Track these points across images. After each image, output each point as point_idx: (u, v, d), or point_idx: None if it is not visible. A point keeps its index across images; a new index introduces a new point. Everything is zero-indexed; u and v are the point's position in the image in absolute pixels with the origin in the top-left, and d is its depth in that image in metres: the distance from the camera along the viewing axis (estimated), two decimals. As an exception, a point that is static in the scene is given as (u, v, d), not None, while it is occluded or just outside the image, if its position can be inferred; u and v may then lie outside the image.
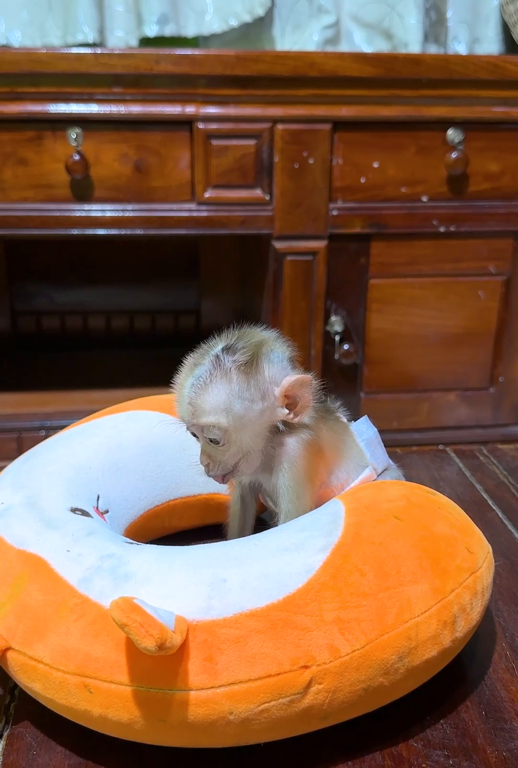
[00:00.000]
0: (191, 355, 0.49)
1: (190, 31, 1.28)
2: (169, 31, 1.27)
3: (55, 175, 1.09)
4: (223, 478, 0.50)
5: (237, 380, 0.47)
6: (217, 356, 0.47)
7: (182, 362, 0.49)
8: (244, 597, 0.40)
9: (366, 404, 1.27)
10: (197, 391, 0.47)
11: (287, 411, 0.48)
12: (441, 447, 0.84)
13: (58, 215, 1.11)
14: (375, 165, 1.16)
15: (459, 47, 1.37)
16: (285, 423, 0.49)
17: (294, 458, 0.50)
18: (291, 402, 0.49)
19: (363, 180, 1.16)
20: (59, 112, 1.07)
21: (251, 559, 0.42)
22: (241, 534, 0.55)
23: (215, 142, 1.11)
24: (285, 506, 0.50)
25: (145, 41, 1.28)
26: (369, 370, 1.26)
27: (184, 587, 0.40)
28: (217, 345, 0.48)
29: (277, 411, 0.48)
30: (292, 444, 0.50)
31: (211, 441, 0.48)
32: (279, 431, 0.49)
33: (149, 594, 0.39)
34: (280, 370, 0.48)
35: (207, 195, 1.13)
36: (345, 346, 1.22)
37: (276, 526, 0.49)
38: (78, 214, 1.11)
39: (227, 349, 0.47)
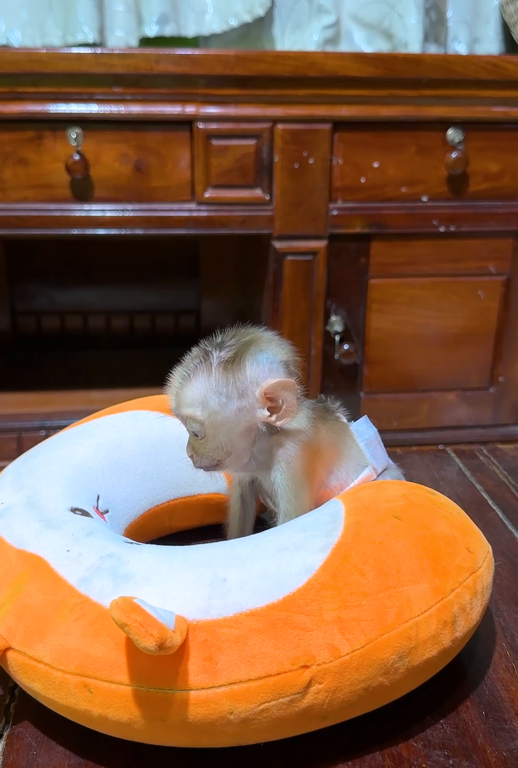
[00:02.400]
0: (195, 348, 0.50)
1: (190, 31, 1.28)
2: (169, 31, 1.27)
3: (55, 175, 1.09)
4: (208, 470, 0.51)
5: (216, 376, 0.47)
6: (206, 351, 0.48)
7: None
8: (244, 597, 0.40)
9: (366, 404, 1.27)
10: (181, 382, 0.48)
11: (269, 413, 0.48)
12: (441, 447, 0.84)
13: (58, 215, 1.11)
14: (375, 165, 1.16)
15: (459, 47, 1.37)
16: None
17: (291, 458, 0.50)
18: (273, 405, 0.48)
19: (363, 180, 1.16)
20: (59, 112, 1.07)
21: (251, 558, 0.42)
22: (241, 534, 0.55)
23: (215, 142, 1.11)
24: (284, 506, 0.50)
25: (145, 41, 1.28)
26: (369, 370, 1.26)
27: (184, 587, 0.40)
28: (214, 341, 0.49)
29: (258, 412, 0.48)
30: (290, 444, 0.50)
31: (193, 433, 0.49)
32: (276, 432, 0.49)
33: (149, 594, 0.39)
34: (266, 371, 0.48)
35: (207, 195, 1.13)
36: (345, 346, 1.22)
37: (276, 526, 0.49)
38: (78, 214, 1.11)
39: (217, 346, 0.48)
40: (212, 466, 0.50)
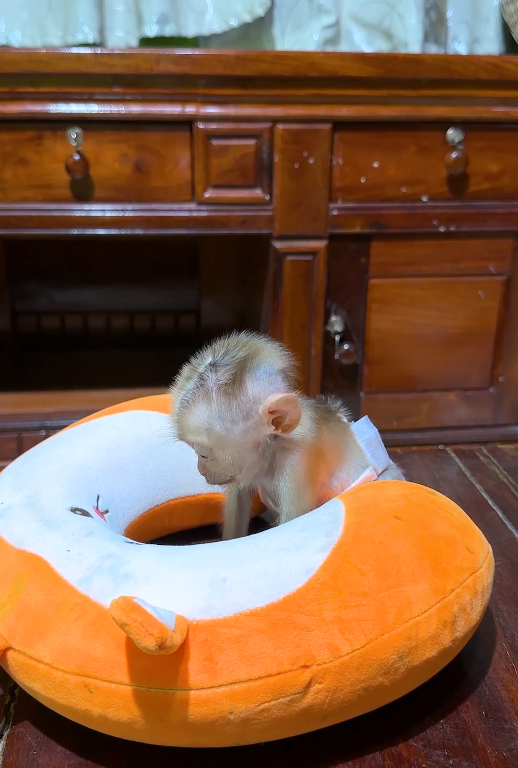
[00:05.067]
0: (186, 366, 0.49)
1: (190, 31, 1.28)
2: (169, 31, 1.26)
3: (55, 175, 1.09)
4: (224, 486, 0.51)
5: (217, 401, 0.46)
6: (201, 375, 0.47)
7: (182, 363, 0.50)
8: (244, 597, 0.40)
9: (366, 404, 1.27)
10: (182, 409, 0.48)
11: (274, 427, 0.48)
12: (441, 447, 0.84)
13: (58, 215, 1.11)
14: (375, 165, 1.16)
15: (459, 47, 1.37)
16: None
17: (295, 463, 0.50)
18: (277, 418, 0.48)
19: (363, 180, 1.16)
20: (59, 112, 1.07)
21: (251, 558, 0.42)
22: (237, 532, 0.55)
23: (215, 142, 1.11)
24: (287, 508, 0.50)
25: (145, 41, 1.28)
26: (369, 370, 1.26)
27: (184, 587, 0.40)
28: (206, 359, 0.48)
29: (263, 428, 0.48)
30: (294, 449, 0.50)
31: (202, 455, 0.49)
32: (278, 437, 0.49)
33: (149, 593, 0.39)
34: (266, 386, 0.47)
35: (207, 195, 1.13)
36: (345, 346, 1.22)
37: (277, 526, 0.49)
38: (78, 214, 1.11)
39: (212, 367, 0.47)
40: (226, 482, 0.50)
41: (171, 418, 0.49)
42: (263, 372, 0.48)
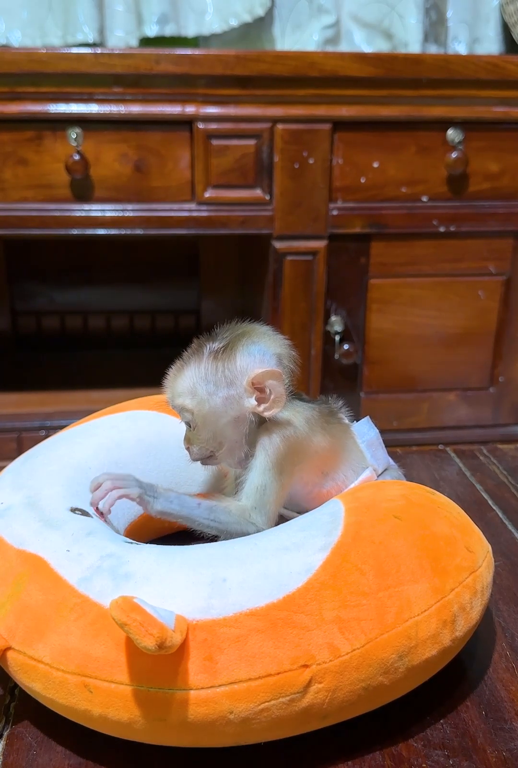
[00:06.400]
0: (193, 343, 0.51)
1: (190, 31, 1.28)
2: (169, 31, 1.26)
3: (55, 175, 1.09)
4: (204, 463, 0.52)
5: (206, 364, 0.49)
6: (200, 343, 0.50)
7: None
8: (243, 596, 0.40)
9: (366, 404, 1.27)
10: (174, 373, 0.50)
11: (256, 403, 0.49)
12: (441, 447, 0.84)
13: (58, 215, 1.11)
14: (375, 165, 1.16)
15: (459, 47, 1.37)
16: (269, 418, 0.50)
17: (272, 447, 0.49)
18: (262, 395, 0.49)
19: (363, 180, 1.16)
20: (59, 112, 1.07)
21: (251, 558, 0.42)
22: None
23: (215, 142, 1.11)
24: (247, 487, 0.49)
25: (145, 41, 1.28)
26: (369, 370, 1.26)
27: (184, 587, 0.40)
28: (210, 335, 0.51)
29: (245, 401, 0.49)
30: (275, 435, 0.49)
31: (187, 424, 0.50)
32: (265, 425, 0.49)
33: (149, 593, 0.39)
34: (256, 361, 0.49)
35: (207, 195, 1.13)
36: (345, 346, 1.22)
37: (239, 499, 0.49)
38: (78, 214, 1.11)
39: (211, 337, 0.50)
40: (207, 459, 0.51)
41: (166, 384, 0.51)
42: (256, 349, 0.49)
